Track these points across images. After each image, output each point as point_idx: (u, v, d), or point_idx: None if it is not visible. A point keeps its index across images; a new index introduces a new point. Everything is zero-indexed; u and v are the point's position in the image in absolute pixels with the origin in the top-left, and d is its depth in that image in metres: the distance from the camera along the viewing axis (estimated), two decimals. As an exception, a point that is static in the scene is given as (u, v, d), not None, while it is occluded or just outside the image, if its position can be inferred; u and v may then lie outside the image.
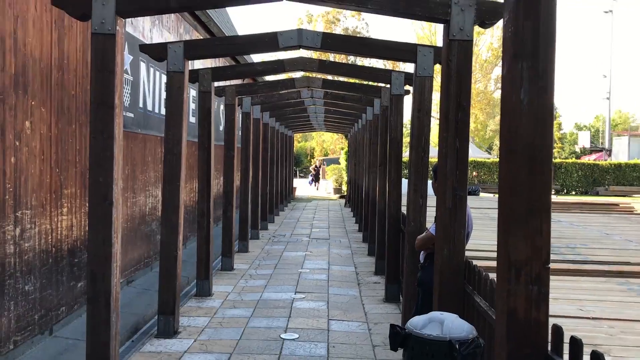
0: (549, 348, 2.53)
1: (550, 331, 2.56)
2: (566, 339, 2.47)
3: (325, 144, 53.35)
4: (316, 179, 36.02)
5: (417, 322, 3.44)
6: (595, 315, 4.17)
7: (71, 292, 5.69)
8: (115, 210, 4.09)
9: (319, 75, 9.35)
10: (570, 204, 19.21)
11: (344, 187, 28.10)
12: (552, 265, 7.49)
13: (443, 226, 4.08)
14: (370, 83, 9.86)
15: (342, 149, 32.54)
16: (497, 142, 39.85)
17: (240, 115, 11.85)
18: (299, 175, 47.75)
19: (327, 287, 8.29)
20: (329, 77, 9.89)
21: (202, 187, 7.60)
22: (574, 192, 32.37)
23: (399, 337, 3.42)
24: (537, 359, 2.48)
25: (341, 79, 12.28)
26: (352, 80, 10.45)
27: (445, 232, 4.05)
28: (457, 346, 3.19)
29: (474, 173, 32.38)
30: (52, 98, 5.21)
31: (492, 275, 3.69)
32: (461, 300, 4.06)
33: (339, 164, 33.18)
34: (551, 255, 7.82)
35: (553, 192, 28.73)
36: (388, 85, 8.21)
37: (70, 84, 5.56)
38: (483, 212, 12.45)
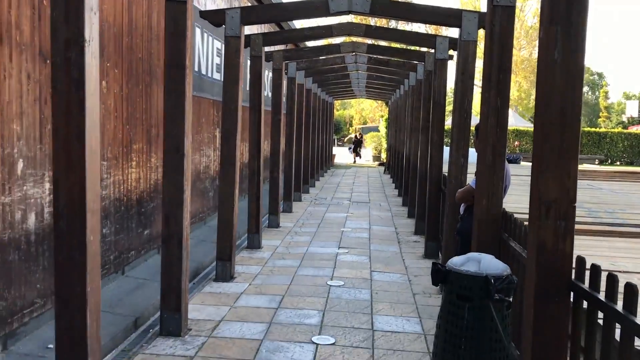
0: (573, 276, 2.91)
1: (574, 261, 2.93)
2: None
3: (364, 112, 53.35)
4: (355, 150, 31.41)
5: (456, 261, 3.86)
6: (626, 269, 4.49)
7: (139, 238, 6.28)
8: (186, 160, 4.59)
9: (365, 41, 9.63)
10: (614, 172, 19.11)
11: (383, 155, 28.35)
12: (588, 227, 7.78)
13: (483, 179, 4.44)
14: (414, 48, 10.09)
15: (382, 116, 32.65)
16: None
17: (286, 80, 12.25)
18: (337, 144, 48.01)
19: (369, 244, 8.75)
20: (374, 42, 10.12)
21: (253, 148, 8.07)
22: (618, 162, 31.85)
23: (440, 273, 3.85)
24: (562, 284, 2.86)
25: (385, 44, 12.49)
26: (396, 45, 10.69)
27: (484, 184, 4.42)
28: (493, 281, 3.60)
29: (516, 142, 32.16)
30: (123, 60, 5.71)
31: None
32: (497, 246, 4.43)
33: (377, 131, 33.36)
34: (589, 218, 8.12)
35: (597, 162, 28.35)
36: (432, 50, 8.47)
37: (137, 47, 6.05)
38: (523, 179, 12.64)
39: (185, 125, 4.56)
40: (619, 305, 2.49)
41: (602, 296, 2.66)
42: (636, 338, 2.39)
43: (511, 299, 3.70)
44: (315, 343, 4.64)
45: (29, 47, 4.05)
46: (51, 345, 4.09)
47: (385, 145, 27.58)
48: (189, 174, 4.67)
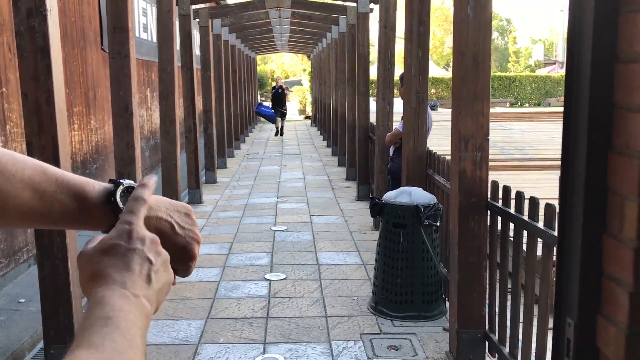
0: (489, 197, 3.51)
1: (490, 186, 3.52)
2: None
3: (285, 65, 53.24)
4: (280, 112, 19.77)
5: (390, 195, 4.43)
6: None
7: (86, 198, 6.48)
8: (134, 119, 4.84)
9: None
10: (523, 114, 20.48)
11: (309, 108, 28.77)
12: (499, 163, 8.64)
13: (409, 122, 4.99)
14: (335, 2, 10.44)
15: (305, 70, 32.89)
16: (454, 58, 40.71)
17: (211, 37, 12.32)
18: (261, 99, 47.78)
19: (305, 192, 9.26)
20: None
21: (188, 105, 8.29)
22: (527, 105, 33.82)
23: (377, 206, 4.40)
24: (480, 204, 3.45)
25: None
26: (319, 0, 11.00)
27: (410, 127, 4.96)
28: (422, 209, 4.19)
29: (432, 90, 33.36)
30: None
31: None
32: (424, 181, 5.03)
33: (301, 85, 33.63)
34: (501, 155, 9.01)
35: (508, 105, 29.94)
36: (354, 4, 8.87)
37: (70, 11, 6.11)
38: (441, 124, 13.49)
39: (132, 85, 4.79)
40: (525, 216, 3.10)
41: (512, 211, 3.27)
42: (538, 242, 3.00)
43: (438, 224, 4.32)
44: (268, 279, 5.12)
45: (-28, 15, 4.13)
46: (22, 300, 4.35)
47: (310, 99, 27.96)
48: (137, 132, 4.93)
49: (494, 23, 58.11)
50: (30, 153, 3.22)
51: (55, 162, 3.25)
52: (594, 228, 0.99)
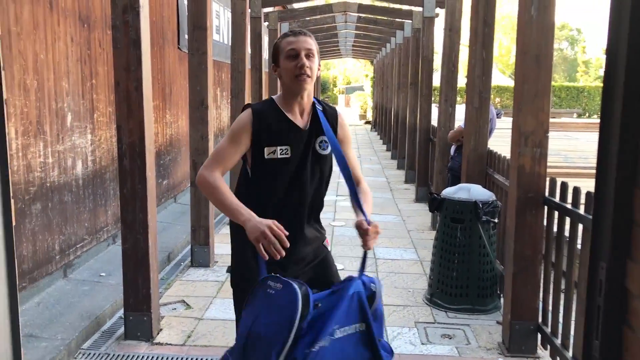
0: (547, 193, 3.60)
1: (547, 181, 3.61)
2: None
3: (348, 71, 53.56)
4: None
5: (449, 190, 4.56)
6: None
7: (159, 188, 6.89)
8: (209, 112, 5.17)
9: (356, 0, 10.11)
10: (589, 124, 19.95)
11: (370, 113, 28.92)
12: (562, 170, 8.55)
13: (470, 122, 5.10)
14: (401, 7, 10.59)
15: (367, 75, 33.04)
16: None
17: (278, 40, 12.71)
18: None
19: (364, 192, 9.44)
20: (363, 2, 10.61)
21: (255, 104, 8.63)
22: (595, 116, 32.77)
23: (436, 201, 4.54)
24: (537, 199, 3.55)
25: (375, 3, 12.95)
26: (384, 5, 11.18)
27: (472, 126, 5.08)
28: (481, 205, 4.30)
29: (497, 99, 32.84)
30: (140, 24, 6.20)
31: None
32: (483, 179, 5.12)
33: (362, 91, 33.81)
34: (564, 163, 8.91)
35: (575, 115, 29.13)
36: (420, 9, 9.01)
37: (151, 11, 6.54)
38: (504, 132, 13.39)
39: (208, 81, 5.13)
40: (581, 210, 3.19)
41: (569, 205, 3.35)
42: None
43: (496, 220, 4.42)
44: (327, 269, 5.33)
45: (71, 13, 4.56)
46: (103, 274, 4.74)
47: (370, 104, 28.11)
48: (212, 125, 5.26)
49: (564, 33, 56.59)
50: (119, 135, 3.56)
51: (141, 144, 3.58)
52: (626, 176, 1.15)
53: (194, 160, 5.23)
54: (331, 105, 2.44)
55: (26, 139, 3.94)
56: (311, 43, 2.22)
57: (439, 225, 4.54)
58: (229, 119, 7.24)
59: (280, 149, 2.21)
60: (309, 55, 2.19)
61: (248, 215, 2.05)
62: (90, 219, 4.95)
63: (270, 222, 2.00)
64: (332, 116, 2.35)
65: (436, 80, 10.01)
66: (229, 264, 2.41)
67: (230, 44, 7.49)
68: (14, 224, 2.44)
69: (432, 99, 8.72)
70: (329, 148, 2.29)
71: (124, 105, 3.56)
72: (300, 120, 2.27)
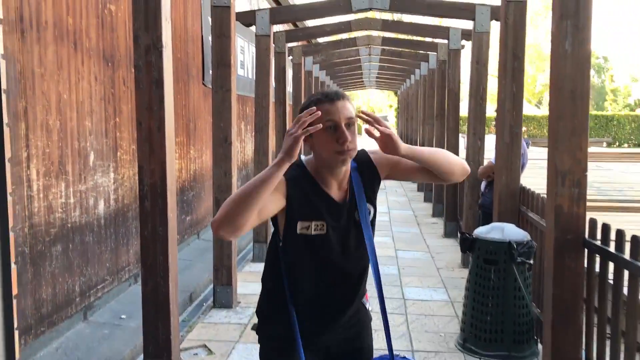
0: (586, 235, 3.39)
1: (587, 223, 3.41)
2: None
3: (372, 102, 53.72)
4: None
5: (482, 230, 4.37)
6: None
7: (182, 224, 6.81)
8: (233, 149, 5.09)
9: (380, 34, 10.09)
10: (621, 154, 19.51)
11: (394, 144, 28.75)
12: (597, 204, 8.25)
13: (501, 157, 4.93)
14: (425, 40, 10.53)
15: (391, 106, 33.05)
16: (547, 95, 39.49)
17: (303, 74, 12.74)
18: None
19: (390, 226, 9.25)
20: (387, 35, 10.59)
21: (279, 138, 8.58)
22: (626, 145, 32.15)
23: (467, 241, 4.35)
24: (577, 242, 3.34)
25: (399, 36, 12.96)
26: (408, 38, 11.15)
27: (503, 162, 4.90)
28: (515, 246, 4.10)
29: (524, 128, 32.48)
30: (165, 61, 6.21)
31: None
32: (516, 217, 4.92)
33: (386, 121, 33.74)
34: (599, 196, 8.62)
35: (605, 144, 28.60)
36: (445, 41, 8.93)
37: (176, 48, 6.56)
38: (532, 162, 13.13)
39: (232, 117, 5.06)
40: (627, 255, 2.98)
41: (612, 249, 3.15)
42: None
43: (532, 262, 4.20)
44: (354, 310, 5.14)
45: (95, 52, 4.56)
46: (124, 316, 4.63)
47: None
48: (235, 161, 5.17)
49: (591, 61, 55.87)
50: (140, 176, 3.48)
51: (162, 185, 3.49)
52: None
53: (216, 197, 5.14)
54: (360, 150, 2.01)
55: (47, 180, 3.89)
56: (351, 109, 1.85)
57: (472, 266, 4.34)
58: (253, 153, 7.16)
59: (315, 224, 1.89)
60: (349, 125, 1.82)
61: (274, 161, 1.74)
62: (112, 259, 4.87)
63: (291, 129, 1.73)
64: (366, 164, 2.02)
65: (461, 110, 9.85)
66: (254, 309, 2.23)
67: (254, 78, 7.46)
68: (14, 293, 2.31)
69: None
70: (372, 212, 1.99)
71: (146, 145, 3.49)
72: (336, 191, 1.94)
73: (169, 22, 3.55)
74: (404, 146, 1.87)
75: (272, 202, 1.80)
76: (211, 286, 5.35)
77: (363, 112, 1.83)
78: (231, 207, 1.66)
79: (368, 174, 2.01)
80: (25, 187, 3.64)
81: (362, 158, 2.02)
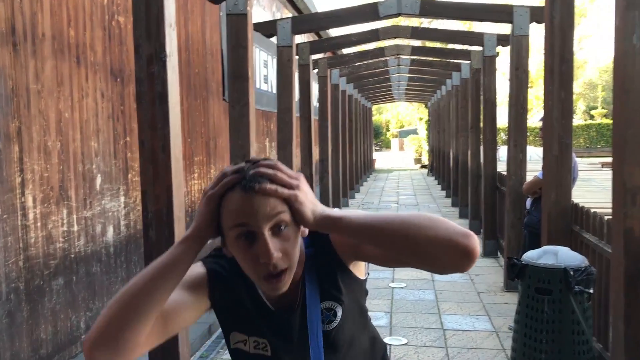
0: (664, 263, 2.87)
1: (664, 248, 2.89)
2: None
3: (401, 115, 53.15)
4: None
5: (532, 255, 3.85)
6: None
7: (204, 248, 6.42)
8: (252, 168, 4.68)
9: (409, 42, 9.65)
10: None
11: (425, 157, 28.17)
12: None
13: (550, 172, 4.41)
14: (456, 47, 10.05)
15: (421, 119, 32.47)
16: (581, 105, 38.25)
17: (329, 87, 12.35)
18: (375, 149, 47.80)
19: (425, 245, 8.71)
20: (416, 44, 10.15)
21: (305, 154, 8.17)
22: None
23: (515, 267, 3.83)
24: (653, 271, 2.83)
25: (428, 44, 12.49)
26: (439, 46, 10.68)
27: (552, 176, 4.38)
28: (572, 273, 3.58)
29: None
30: (182, 75, 5.87)
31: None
32: (568, 239, 4.38)
33: (416, 134, 33.16)
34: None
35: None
36: (478, 48, 8.43)
37: (194, 62, 6.22)
38: (580, 173, 12.46)
39: (250, 134, 4.67)
40: None
41: (697, 281, 2.62)
42: None
43: (591, 291, 3.66)
44: (388, 344, 4.66)
45: (101, 66, 4.22)
46: (135, 353, 4.23)
47: (426, 148, 27.41)
48: (255, 182, 4.76)
49: None
50: (144, 202, 3.09)
51: (169, 212, 3.10)
52: None
53: (236, 221, 4.72)
54: (318, 234, 1.28)
55: (46, 207, 3.52)
56: (276, 203, 1.13)
57: (521, 296, 3.82)
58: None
59: (255, 342, 1.31)
60: (278, 227, 1.15)
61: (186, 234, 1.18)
62: (124, 290, 4.48)
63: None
64: (322, 247, 1.31)
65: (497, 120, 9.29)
66: None
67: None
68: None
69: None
70: (338, 315, 1.31)
71: (149, 168, 3.10)
72: (281, 296, 1.26)
73: (173, 30, 3.18)
74: (317, 212, 1.15)
75: (186, 307, 1.22)
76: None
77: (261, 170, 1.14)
78: (113, 312, 1.09)
79: (325, 261, 1.31)
80: (20, 215, 3.28)
81: (318, 239, 1.31)
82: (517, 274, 3.86)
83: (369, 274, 1.42)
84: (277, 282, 1.16)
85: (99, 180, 4.16)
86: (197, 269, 1.28)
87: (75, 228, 3.85)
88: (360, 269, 1.35)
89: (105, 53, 4.27)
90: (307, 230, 1.22)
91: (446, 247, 1.09)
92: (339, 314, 1.30)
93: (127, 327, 1.08)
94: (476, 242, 1.11)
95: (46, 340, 3.51)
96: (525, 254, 3.91)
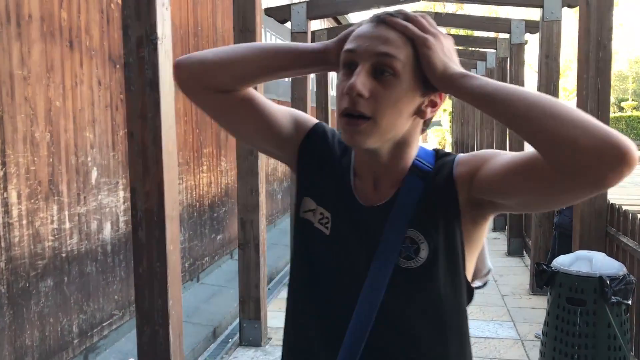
0: None
1: None
2: None
3: (425, 107, 52.44)
4: None
5: (563, 260, 3.48)
6: None
7: (212, 243, 6.16)
8: (260, 162, 4.39)
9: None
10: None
11: (448, 149, 27.65)
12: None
13: (584, 168, 4.02)
14: (482, 34, 9.59)
15: (445, 110, 31.92)
16: (611, 97, 37.21)
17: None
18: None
19: (446, 242, 8.36)
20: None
21: (321, 146, 7.85)
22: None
23: (545, 274, 3.48)
24: None
25: (452, 31, 12.04)
26: (463, 33, 10.23)
27: (586, 174, 3.99)
28: (608, 282, 3.21)
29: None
30: (190, 63, 5.59)
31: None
32: (603, 242, 4.01)
33: (440, 126, 32.61)
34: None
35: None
36: (505, 36, 8.00)
37: (204, 49, 5.92)
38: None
39: (258, 125, 4.36)
40: None
41: None
42: None
43: (629, 302, 3.30)
44: (404, 351, 4.33)
45: (98, 52, 3.94)
46: (132, 359, 3.97)
47: (449, 140, 26.89)
48: (263, 176, 4.47)
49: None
50: (133, 199, 2.81)
51: (160, 212, 2.81)
52: None
53: (242, 218, 4.43)
54: (446, 152, 1.20)
55: (33, 203, 3.27)
56: (393, 43, 1.00)
57: (551, 306, 3.46)
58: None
59: (321, 214, 1.16)
60: (381, 68, 1.00)
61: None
62: (122, 290, 4.23)
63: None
64: (443, 174, 1.12)
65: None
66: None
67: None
68: None
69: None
70: (424, 253, 1.09)
71: (138, 162, 2.81)
72: (370, 190, 1.14)
73: (167, 9, 2.87)
74: (450, 67, 0.99)
75: (276, 125, 1.17)
76: (238, 320, 4.65)
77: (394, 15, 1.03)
78: (224, 51, 1.13)
79: (437, 191, 1.10)
80: (1, 212, 3.02)
81: (443, 163, 1.14)
82: (546, 282, 3.51)
83: (481, 285, 1.24)
84: (352, 125, 1.01)
85: (94, 173, 3.89)
86: (310, 119, 1.25)
87: (67, 225, 3.59)
88: (474, 239, 1.13)
89: (102, 38, 3.99)
90: (427, 114, 1.08)
91: (590, 138, 0.83)
92: (423, 255, 1.08)
93: (229, 65, 1.10)
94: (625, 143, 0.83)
95: (32, 346, 3.26)
96: (555, 260, 3.54)
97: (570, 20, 5.30)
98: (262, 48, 1.17)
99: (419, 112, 1.06)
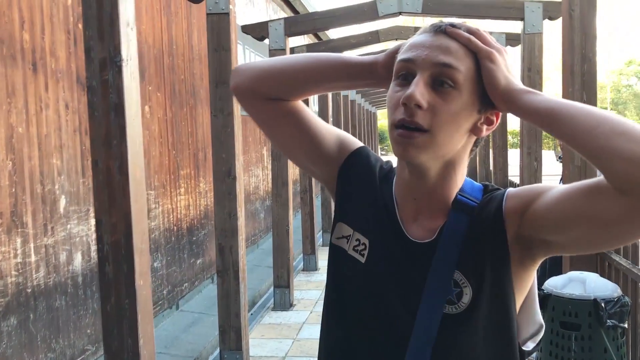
0: None
1: None
2: None
3: (407, 120, 52.62)
4: None
5: (556, 282, 3.35)
6: None
7: (192, 268, 5.95)
8: (238, 184, 4.22)
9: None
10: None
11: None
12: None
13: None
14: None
15: (427, 123, 31.97)
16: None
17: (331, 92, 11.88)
18: (380, 153, 47.33)
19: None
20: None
21: (303, 164, 7.69)
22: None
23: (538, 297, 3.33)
24: None
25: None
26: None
27: (574, 190, 3.88)
28: (603, 305, 3.08)
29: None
30: (165, 82, 5.42)
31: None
32: (594, 262, 3.88)
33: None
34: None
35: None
36: (486, 49, 7.94)
37: (179, 68, 5.77)
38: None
39: (235, 146, 4.20)
40: None
41: None
42: None
43: (625, 325, 3.17)
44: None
45: (65, 74, 3.76)
46: (106, 397, 3.75)
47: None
48: (241, 199, 4.29)
49: (632, 69, 53.62)
50: (99, 233, 2.62)
51: (128, 244, 2.62)
52: None
53: (220, 243, 4.24)
54: (496, 187, 1.10)
55: (-6, 237, 3.06)
56: (452, 52, 0.96)
57: (544, 331, 3.31)
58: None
59: (357, 240, 1.10)
60: (440, 79, 0.95)
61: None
62: (95, 324, 4.01)
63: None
64: (490, 209, 1.03)
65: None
66: None
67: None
68: None
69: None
70: (467, 298, 1.00)
71: (103, 192, 2.62)
72: (411, 221, 1.07)
73: (133, 30, 2.70)
74: (512, 82, 0.95)
75: (319, 139, 1.15)
76: (218, 351, 4.44)
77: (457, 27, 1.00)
78: (278, 59, 1.18)
79: (484, 227, 1.01)
80: (-42, 249, 2.81)
81: (492, 197, 1.05)
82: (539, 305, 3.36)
83: (534, 347, 1.18)
84: (407, 137, 0.95)
85: (63, 202, 3.69)
86: (356, 141, 1.21)
87: (33, 258, 3.38)
88: (522, 286, 1.06)
89: (69, 59, 3.82)
90: (482, 132, 1.02)
91: None
92: (466, 299, 1.00)
93: (278, 75, 1.13)
94: None
95: (-6, 391, 3.04)
96: (547, 282, 3.41)
97: (548, 30, 5.25)
98: (313, 56, 1.15)
99: (475, 130, 1.01)
